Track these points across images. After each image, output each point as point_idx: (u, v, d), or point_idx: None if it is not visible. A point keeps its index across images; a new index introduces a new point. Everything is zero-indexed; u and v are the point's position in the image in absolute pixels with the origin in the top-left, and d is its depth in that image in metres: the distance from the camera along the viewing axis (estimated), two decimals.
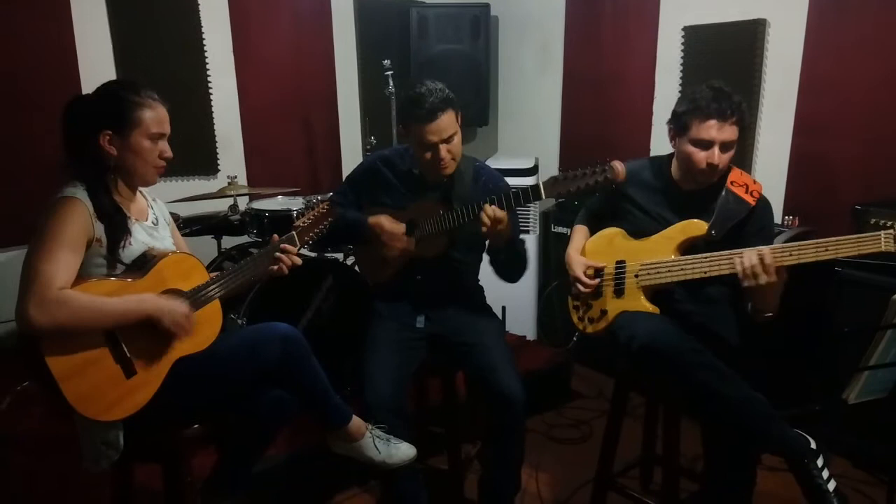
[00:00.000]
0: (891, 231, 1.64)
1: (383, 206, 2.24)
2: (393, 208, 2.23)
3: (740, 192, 1.98)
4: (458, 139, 2.10)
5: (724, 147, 1.93)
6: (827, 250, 1.72)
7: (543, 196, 1.93)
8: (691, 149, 1.96)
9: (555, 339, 3.62)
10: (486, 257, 2.27)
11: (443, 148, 2.05)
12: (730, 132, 1.91)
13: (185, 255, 1.80)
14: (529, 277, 3.79)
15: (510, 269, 2.23)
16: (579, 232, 2.29)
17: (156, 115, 1.70)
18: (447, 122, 2.04)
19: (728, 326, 2.04)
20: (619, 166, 1.82)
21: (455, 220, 2.06)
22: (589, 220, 2.32)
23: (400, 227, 2.18)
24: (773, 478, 2.30)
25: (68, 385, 1.52)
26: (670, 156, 2.12)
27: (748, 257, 1.79)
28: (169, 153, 1.75)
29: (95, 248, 1.61)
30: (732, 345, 1.99)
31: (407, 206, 2.21)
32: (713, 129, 1.90)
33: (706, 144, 1.93)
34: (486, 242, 2.20)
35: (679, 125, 1.99)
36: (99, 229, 1.62)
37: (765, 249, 1.79)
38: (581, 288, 2.13)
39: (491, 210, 1.95)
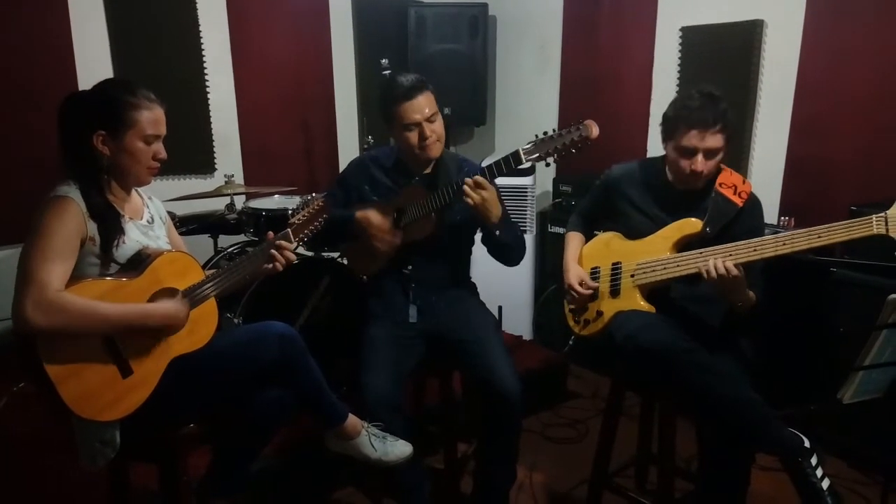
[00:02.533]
0: (882, 215, 1.65)
1: (372, 203, 2.26)
2: (380, 201, 2.25)
3: (728, 193, 2.00)
4: (440, 120, 2.15)
5: (708, 154, 1.95)
6: (819, 237, 1.74)
7: (524, 160, 1.97)
8: (675, 156, 1.99)
9: (551, 341, 3.62)
10: (483, 248, 2.28)
11: (427, 127, 2.10)
12: (713, 140, 1.93)
13: (181, 254, 1.79)
14: (526, 277, 3.80)
15: (508, 251, 2.24)
16: (574, 239, 2.30)
17: (151, 117, 1.69)
18: (426, 100, 2.10)
19: (724, 325, 2.04)
20: (591, 122, 1.89)
21: (440, 198, 2.09)
22: (582, 226, 2.33)
23: (386, 222, 2.19)
24: (768, 477, 2.31)
25: (64, 386, 1.52)
26: (664, 156, 2.13)
27: (713, 265, 1.83)
28: (163, 154, 1.74)
29: (89, 247, 1.61)
30: (728, 344, 2.00)
31: (394, 198, 2.24)
32: (695, 139, 1.92)
33: (690, 152, 1.95)
34: (478, 230, 2.24)
35: (666, 130, 2.02)
36: (92, 228, 1.61)
37: (719, 260, 1.83)
38: (574, 296, 2.14)
39: (471, 180, 1.99)
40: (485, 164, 2.13)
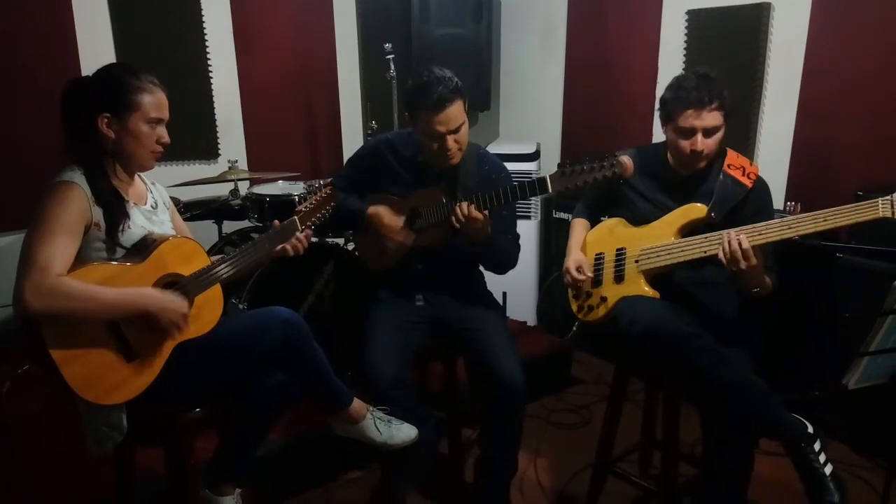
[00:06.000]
0: (888, 198, 1.64)
1: (385, 193, 2.23)
2: (395, 195, 2.21)
3: (737, 174, 2.00)
4: (465, 129, 2.06)
5: (707, 133, 1.95)
6: (825, 220, 1.73)
7: (550, 190, 1.89)
8: (675, 137, 1.99)
9: (555, 327, 3.62)
10: None
11: (450, 139, 2.02)
12: (711, 119, 1.93)
13: (186, 240, 1.79)
14: (530, 263, 3.80)
15: (492, 263, 2.23)
16: (579, 225, 2.30)
17: (155, 100, 1.69)
18: (455, 112, 1.99)
19: (728, 310, 2.04)
20: (627, 161, 1.82)
21: None
22: (588, 213, 2.32)
23: (398, 221, 2.16)
24: (771, 462, 2.31)
25: (69, 369, 1.52)
26: (664, 142, 2.12)
27: (728, 241, 1.82)
28: (166, 138, 1.74)
29: (94, 233, 1.61)
30: (732, 328, 1.99)
31: (410, 195, 2.19)
32: (692, 118, 1.93)
33: (688, 132, 1.95)
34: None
35: (665, 113, 2.02)
36: (97, 213, 1.61)
37: (742, 236, 1.81)
38: (568, 279, 2.14)
39: (466, 208, 1.93)
40: (490, 147, 2.10)
